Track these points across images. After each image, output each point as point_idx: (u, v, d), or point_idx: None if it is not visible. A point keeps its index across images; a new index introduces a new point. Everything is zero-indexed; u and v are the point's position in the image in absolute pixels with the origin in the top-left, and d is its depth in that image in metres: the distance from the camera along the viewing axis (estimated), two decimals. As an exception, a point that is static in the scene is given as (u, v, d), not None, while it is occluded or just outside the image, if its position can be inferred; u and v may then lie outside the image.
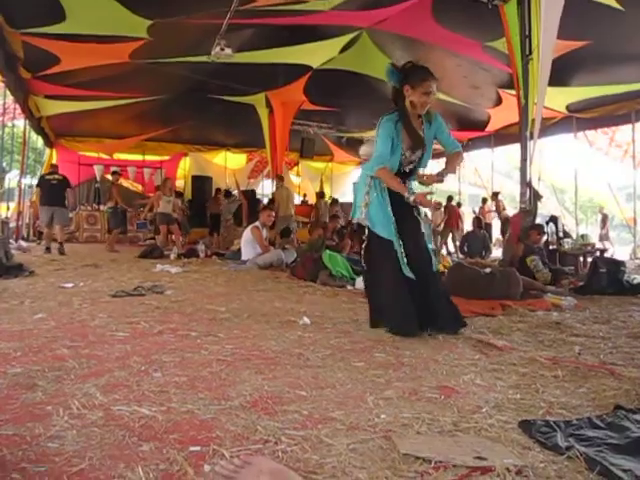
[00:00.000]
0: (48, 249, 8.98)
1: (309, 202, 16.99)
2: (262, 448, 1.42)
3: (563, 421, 1.66)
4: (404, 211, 3.22)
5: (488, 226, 13.06)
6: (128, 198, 12.30)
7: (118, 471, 1.26)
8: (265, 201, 14.81)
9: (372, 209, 3.21)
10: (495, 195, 13.55)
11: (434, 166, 15.02)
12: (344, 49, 9.33)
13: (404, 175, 3.26)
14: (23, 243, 10.39)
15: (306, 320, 3.27)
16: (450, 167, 3.26)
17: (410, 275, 3.09)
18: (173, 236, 10.07)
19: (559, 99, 9.86)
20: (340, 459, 1.36)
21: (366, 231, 3.30)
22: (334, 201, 14.66)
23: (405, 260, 3.11)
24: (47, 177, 9.58)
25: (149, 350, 2.42)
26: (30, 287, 4.59)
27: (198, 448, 1.40)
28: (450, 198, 14.59)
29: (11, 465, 1.27)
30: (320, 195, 15.28)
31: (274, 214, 8.35)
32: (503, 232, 12.07)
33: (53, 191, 9.23)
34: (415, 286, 3.10)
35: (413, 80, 3.10)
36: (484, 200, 14.67)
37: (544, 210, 10.79)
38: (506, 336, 3.04)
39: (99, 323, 3.05)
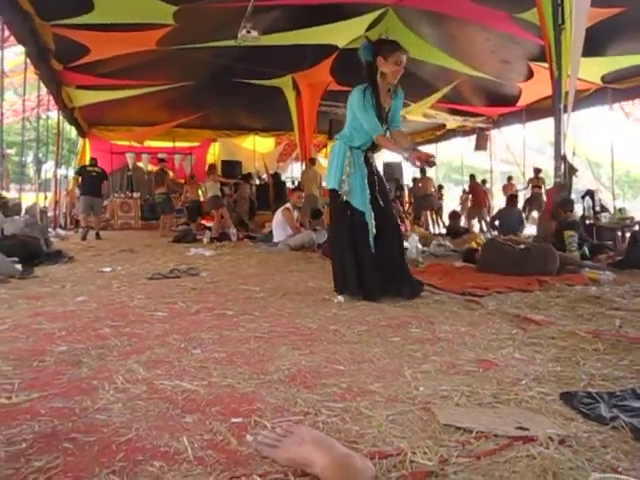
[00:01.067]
0: (85, 236, 9.30)
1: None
2: (302, 419, 1.44)
3: (606, 392, 1.63)
4: (376, 185, 3.49)
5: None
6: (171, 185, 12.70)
7: (164, 441, 1.29)
8: (290, 184, 14.88)
9: (351, 181, 3.40)
10: (537, 172, 13.27)
11: (466, 144, 14.75)
12: (370, 27, 9.19)
13: (373, 146, 3.51)
14: (61, 231, 10.65)
15: (340, 298, 3.28)
16: (409, 141, 3.53)
17: (372, 251, 3.36)
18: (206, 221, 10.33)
19: (593, 70, 9.52)
20: (380, 429, 1.37)
21: (339, 201, 3.45)
22: None
23: (374, 232, 3.38)
24: (88, 169, 10.21)
25: (187, 328, 2.47)
26: (70, 272, 4.71)
27: (240, 420, 1.43)
28: (473, 177, 14.37)
29: (62, 435, 1.32)
30: None
31: (304, 195, 8.37)
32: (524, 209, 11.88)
33: (93, 182, 9.92)
34: (382, 255, 3.39)
35: (385, 51, 3.35)
36: (509, 178, 14.44)
37: (579, 185, 10.52)
38: (544, 311, 3.00)
39: (138, 304, 3.12)
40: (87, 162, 11.37)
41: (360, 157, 3.46)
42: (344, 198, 3.39)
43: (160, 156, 12.84)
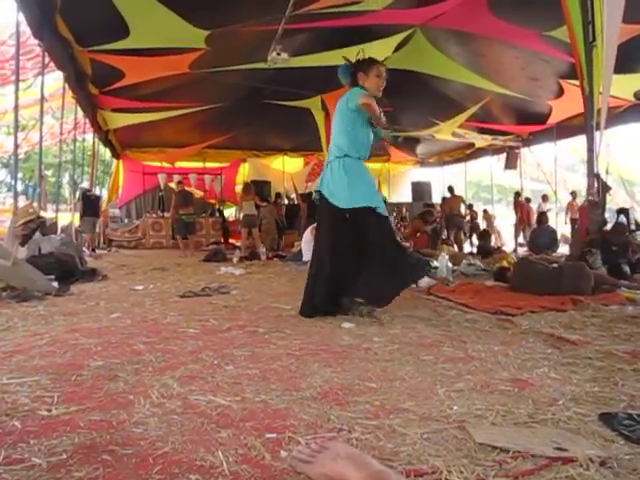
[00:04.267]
0: (94, 250, 10.68)
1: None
2: (336, 436, 1.44)
3: (647, 414, 1.59)
4: None
5: (574, 221, 12.63)
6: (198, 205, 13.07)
7: (199, 455, 1.31)
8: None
9: (333, 183, 3.42)
10: (574, 195, 13.14)
11: (495, 163, 14.59)
12: (398, 48, 9.26)
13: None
14: (96, 251, 10.95)
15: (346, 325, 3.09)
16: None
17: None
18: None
19: (626, 87, 9.39)
20: (415, 447, 1.36)
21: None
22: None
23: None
24: (88, 194, 11.25)
25: (220, 345, 2.49)
26: (104, 290, 4.81)
27: (274, 435, 1.43)
28: (518, 194, 14.26)
29: (101, 447, 1.34)
30: None
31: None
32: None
33: (93, 205, 11.17)
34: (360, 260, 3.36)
35: (364, 67, 3.45)
36: (544, 196, 14.24)
37: (612, 203, 10.31)
38: (579, 330, 2.94)
39: (171, 321, 3.16)
40: (86, 187, 12.60)
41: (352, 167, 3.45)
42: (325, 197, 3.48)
43: (177, 179, 13.24)
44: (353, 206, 3.34)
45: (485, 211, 16.56)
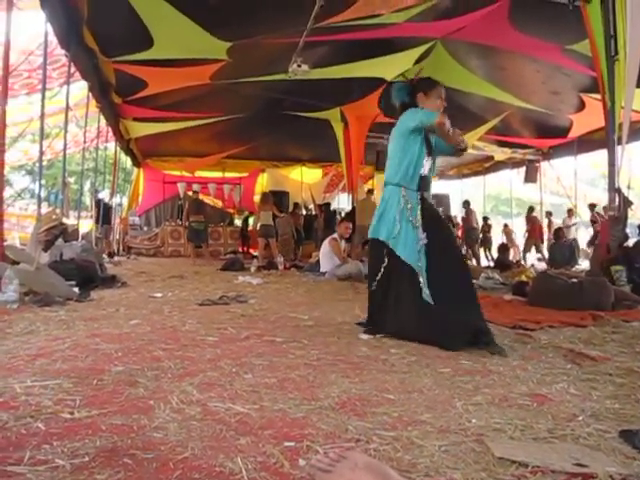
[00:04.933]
0: (111, 255, 10.94)
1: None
2: (354, 446, 1.44)
3: (669, 432, 1.57)
4: (435, 222, 3.16)
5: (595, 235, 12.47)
6: (210, 214, 13.05)
7: (219, 461, 1.32)
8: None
9: (402, 231, 3.07)
10: (592, 207, 12.97)
11: (514, 176, 14.50)
12: (418, 60, 9.28)
13: (424, 182, 3.20)
14: (116, 258, 11.06)
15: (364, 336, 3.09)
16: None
17: (429, 300, 2.92)
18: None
19: (649, 101, 9.31)
20: (433, 460, 1.36)
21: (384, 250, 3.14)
22: None
23: (427, 284, 2.95)
24: (102, 202, 11.89)
25: (238, 353, 2.51)
26: (123, 296, 4.87)
27: (292, 444, 1.44)
28: (531, 209, 14.21)
29: (122, 451, 1.36)
30: None
31: (351, 226, 8.40)
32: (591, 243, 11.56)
33: (106, 212, 11.71)
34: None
35: (425, 87, 3.20)
36: (569, 211, 14.11)
37: (634, 219, 10.19)
38: (599, 346, 2.91)
39: (189, 328, 3.19)
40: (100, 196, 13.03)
41: (415, 199, 3.12)
42: (390, 245, 3.10)
43: (195, 188, 13.52)
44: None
45: (505, 225, 16.48)
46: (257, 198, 16.39)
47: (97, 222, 10.92)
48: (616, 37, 5.83)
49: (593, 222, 12.61)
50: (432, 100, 3.17)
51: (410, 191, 3.14)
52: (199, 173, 16.91)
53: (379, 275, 3.15)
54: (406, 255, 3.04)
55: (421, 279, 2.96)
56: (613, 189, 6.03)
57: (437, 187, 18.35)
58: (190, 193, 15.17)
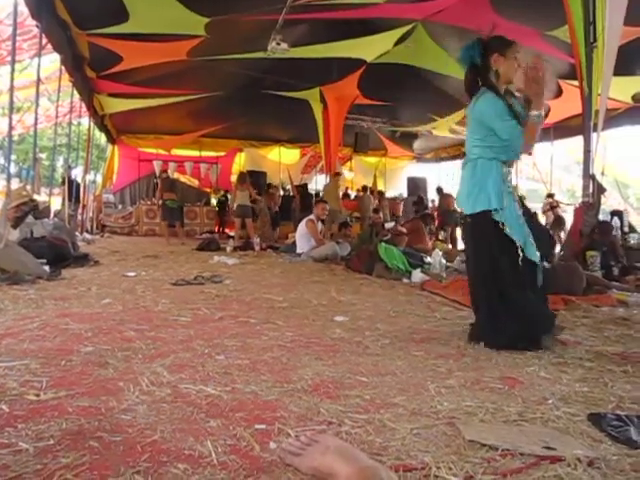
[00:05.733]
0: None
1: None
2: (326, 429, 1.43)
3: (636, 415, 1.60)
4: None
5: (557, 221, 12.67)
6: (186, 193, 12.86)
7: (188, 444, 1.30)
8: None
9: (507, 209, 2.60)
10: (550, 197, 13.19)
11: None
12: (398, 42, 9.22)
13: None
14: (88, 235, 10.83)
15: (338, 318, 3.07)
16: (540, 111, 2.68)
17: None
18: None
19: (625, 89, 9.40)
20: (404, 442, 1.36)
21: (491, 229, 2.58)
22: (380, 194, 14.80)
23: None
24: (72, 179, 11.46)
25: (211, 334, 2.48)
26: (95, 275, 4.78)
27: (263, 426, 1.43)
28: None
29: (89, 433, 1.33)
30: (364, 189, 15.26)
31: (328, 207, 8.38)
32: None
33: (77, 190, 11.63)
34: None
35: (501, 47, 2.71)
36: (549, 195, 14.24)
37: (606, 205, 10.35)
38: (569, 331, 2.94)
39: (162, 309, 3.15)
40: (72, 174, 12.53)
41: (508, 177, 2.72)
42: (506, 230, 2.54)
43: (172, 165, 13.85)
44: None
45: None
46: (234, 178, 16.24)
47: (70, 200, 10.66)
48: (595, 24, 5.84)
49: (550, 209, 12.89)
50: (509, 62, 2.70)
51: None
52: (175, 151, 16.63)
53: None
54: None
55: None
56: (588, 175, 6.10)
57: (414, 170, 18.44)
58: (163, 173, 14.98)
